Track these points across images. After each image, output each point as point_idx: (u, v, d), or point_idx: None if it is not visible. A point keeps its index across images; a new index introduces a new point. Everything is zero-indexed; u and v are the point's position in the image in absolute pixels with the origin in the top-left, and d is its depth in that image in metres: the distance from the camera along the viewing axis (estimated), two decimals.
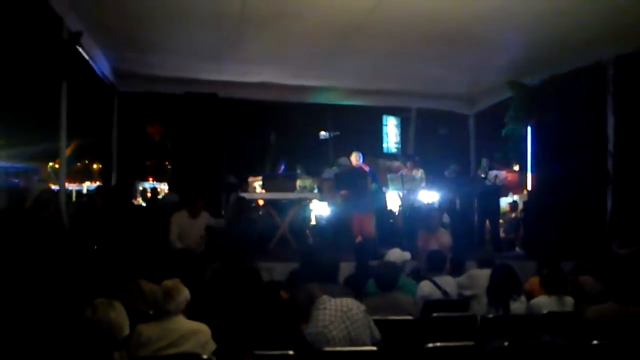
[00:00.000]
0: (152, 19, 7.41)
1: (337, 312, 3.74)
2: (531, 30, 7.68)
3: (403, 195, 10.46)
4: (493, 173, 9.77)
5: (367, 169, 9.49)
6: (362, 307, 3.90)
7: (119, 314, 3.01)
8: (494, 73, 9.79)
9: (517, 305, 4.63)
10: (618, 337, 3.67)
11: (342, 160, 10.23)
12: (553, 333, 4.24)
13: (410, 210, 10.14)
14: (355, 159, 9.38)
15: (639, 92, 8.15)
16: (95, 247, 6.55)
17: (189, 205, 7.80)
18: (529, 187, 10.26)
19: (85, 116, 12.40)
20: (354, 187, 9.05)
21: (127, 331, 3.03)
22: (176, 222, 7.63)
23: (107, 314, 2.96)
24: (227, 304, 4.72)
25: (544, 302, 4.65)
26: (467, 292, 5.44)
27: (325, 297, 3.86)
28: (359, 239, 8.38)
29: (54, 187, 10.83)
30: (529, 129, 9.99)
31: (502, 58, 8.94)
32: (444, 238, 7.84)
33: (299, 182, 9.96)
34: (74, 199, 19.04)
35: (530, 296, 5.05)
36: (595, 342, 3.60)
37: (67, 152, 7.97)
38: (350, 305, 3.83)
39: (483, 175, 9.85)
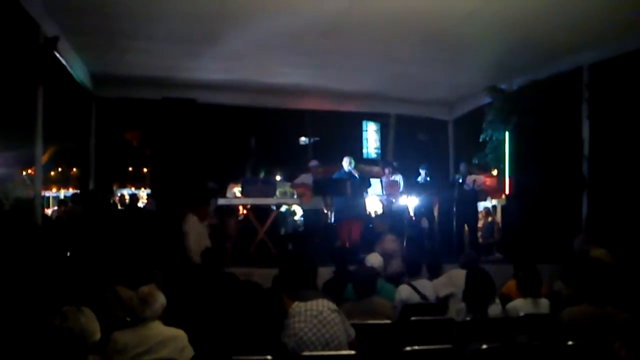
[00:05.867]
0: (129, 19, 7.37)
1: (308, 317, 3.74)
2: (508, 36, 7.78)
3: (383, 200, 10.52)
4: (471, 178, 9.85)
5: (356, 174, 9.48)
6: (333, 306, 3.89)
7: (90, 319, 3.00)
8: (472, 78, 9.89)
9: (493, 308, 4.66)
10: (593, 338, 3.71)
11: (313, 163, 10.23)
12: (529, 335, 4.28)
13: (390, 215, 10.20)
14: (346, 164, 9.40)
15: (612, 97, 8.32)
16: (72, 253, 6.47)
17: (198, 210, 7.09)
18: (507, 192, 10.35)
19: (63, 122, 12.31)
20: (339, 193, 9.01)
21: (98, 336, 3.01)
22: (195, 231, 6.83)
23: (78, 320, 2.94)
24: (206, 309, 4.68)
25: (520, 305, 4.69)
26: (446, 291, 5.47)
27: (295, 304, 3.84)
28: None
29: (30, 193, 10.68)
30: (506, 133, 10.09)
31: (481, 62, 9.04)
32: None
33: (279, 188, 9.95)
34: (50, 205, 18.82)
35: (507, 299, 5.09)
36: (570, 342, 3.64)
37: (44, 158, 7.88)
38: (321, 308, 3.81)
39: (461, 180, 9.91)
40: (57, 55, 7.38)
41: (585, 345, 3.65)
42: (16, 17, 6.84)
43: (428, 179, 10.41)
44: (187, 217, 6.98)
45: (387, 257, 6.53)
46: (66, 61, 8.17)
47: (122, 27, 7.67)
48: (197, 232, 6.87)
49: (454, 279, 5.38)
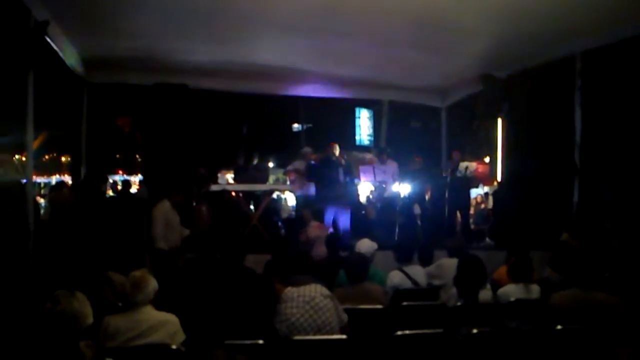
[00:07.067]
0: (121, 2, 7.25)
1: (300, 303, 3.76)
2: (501, 23, 7.77)
3: (375, 187, 10.53)
4: (464, 165, 9.87)
5: (342, 161, 9.47)
6: (326, 292, 3.90)
7: (82, 304, 3.01)
8: (465, 65, 9.87)
9: (484, 294, 4.69)
10: (582, 322, 3.74)
11: (305, 150, 10.21)
12: (520, 320, 4.32)
13: (383, 202, 10.22)
14: (336, 150, 9.38)
15: (605, 85, 8.34)
16: (64, 239, 6.46)
17: (172, 196, 7.09)
18: (499, 179, 10.39)
19: (54, 108, 12.21)
20: (329, 179, 9.01)
21: (91, 319, 3.02)
22: (161, 215, 6.82)
23: (70, 304, 2.95)
24: (198, 294, 4.70)
25: (511, 291, 4.73)
26: (436, 282, 5.52)
27: (287, 289, 3.85)
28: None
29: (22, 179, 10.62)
30: (499, 121, 10.11)
31: (474, 49, 9.01)
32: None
33: (272, 175, 9.96)
34: (42, 191, 18.75)
35: (498, 285, 5.13)
36: (559, 327, 3.67)
37: (35, 144, 7.82)
38: (313, 293, 3.83)
39: (453, 167, 9.93)
40: (48, 39, 7.30)
41: (574, 330, 3.68)
42: (6, 1, 6.76)
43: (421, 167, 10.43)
44: (160, 202, 6.96)
45: (311, 243, 6.59)
46: (57, 46, 8.08)
47: (113, 10, 7.55)
48: (164, 219, 6.82)
49: (444, 268, 5.43)
